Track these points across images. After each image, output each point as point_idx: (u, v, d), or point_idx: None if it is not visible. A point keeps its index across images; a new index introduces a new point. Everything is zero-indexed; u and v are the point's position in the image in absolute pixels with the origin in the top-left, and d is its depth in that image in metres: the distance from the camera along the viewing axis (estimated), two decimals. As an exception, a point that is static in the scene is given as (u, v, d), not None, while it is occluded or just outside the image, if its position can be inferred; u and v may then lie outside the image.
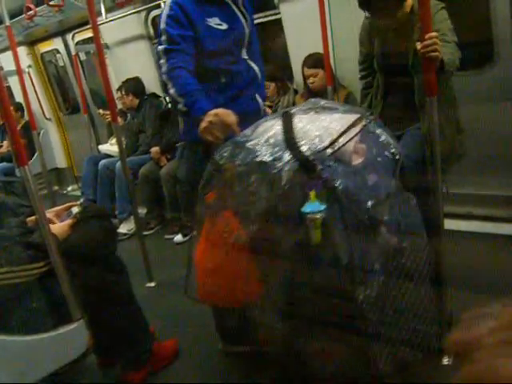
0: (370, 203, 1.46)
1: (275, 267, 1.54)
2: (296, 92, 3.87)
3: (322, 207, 1.37)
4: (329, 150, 1.44)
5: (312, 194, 1.38)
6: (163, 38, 1.86)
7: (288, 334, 1.68)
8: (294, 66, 3.89)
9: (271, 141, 1.52)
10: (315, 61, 3.44)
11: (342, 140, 1.47)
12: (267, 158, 1.47)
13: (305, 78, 3.54)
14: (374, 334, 1.52)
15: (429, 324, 1.71)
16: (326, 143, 1.45)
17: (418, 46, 1.78)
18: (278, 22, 3.95)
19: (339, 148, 1.46)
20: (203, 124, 1.69)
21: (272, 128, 1.59)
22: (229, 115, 1.68)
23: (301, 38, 3.78)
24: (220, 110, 1.70)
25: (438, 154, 1.85)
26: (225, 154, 1.60)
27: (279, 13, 3.88)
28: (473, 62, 3.19)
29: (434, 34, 1.76)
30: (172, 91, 1.81)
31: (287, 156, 1.44)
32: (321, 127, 1.51)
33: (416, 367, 1.78)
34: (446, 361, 1.94)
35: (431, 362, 1.88)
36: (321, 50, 3.26)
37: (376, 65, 2.49)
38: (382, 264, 1.50)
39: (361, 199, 1.45)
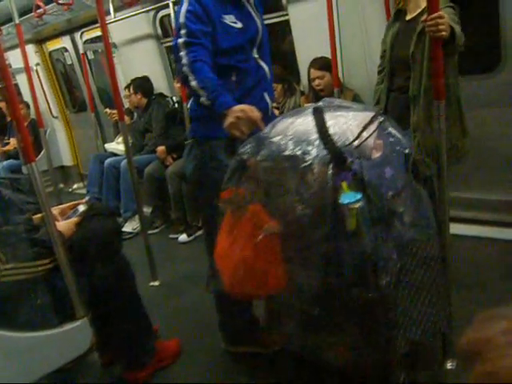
0: (389, 194, 1.52)
1: (305, 257, 1.57)
2: (303, 94, 3.87)
3: (359, 196, 1.42)
4: (354, 144, 1.51)
5: (344, 185, 1.43)
6: (183, 31, 1.86)
7: (312, 325, 1.71)
8: (302, 68, 3.89)
9: (296, 136, 1.57)
10: (323, 63, 3.44)
11: (363, 135, 1.54)
12: (296, 152, 1.52)
13: (310, 79, 3.54)
14: (394, 318, 1.58)
15: (439, 308, 1.76)
16: (350, 138, 1.52)
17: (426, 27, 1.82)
18: (286, 23, 3.95)
19: (361, 143, 1.53)
20: (230, 119, 1.70)
21: (293, 124, 1.64)
22: (254, 111, 1.70)
23: (309, 40, 3.77)
24: (245, 106, 1.71)
25: (443, 158, 1.85)
26: (248, 150, 1.64)
27: (287, 14, 3.88)
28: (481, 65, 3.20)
29: (436, 14, 1.77)
30: (194, 83, 1.80)
31: (315, 150, 1.50)
32: (342, 123, 1.57)
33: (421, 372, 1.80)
34: (449, 365, 1.94)
35: (436, 365, 1.88)
36: (328, 53, 3.26)
37: (386, 59, 2.51)
38: (397, 253, 1.55)
39: (382, 191, 1.51)
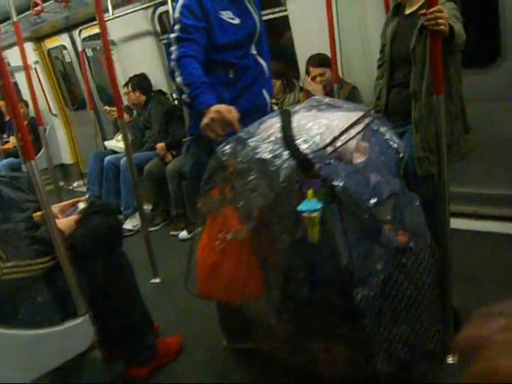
0: (371, 202, 1.44)
1: (274, 264, 1.53)
2: (302, 89, 3.86)
3: (319, 206, 1.35)
4: (329, 149, 1.43)
5: (309, 192, 1.36)
6: (176, 27, 1.85)
7: (284, 332, 1.68)
8: (301, 64, 3.88)
9: (272, 138, 1.51)
10: (321, 60, 3.42)
11: (343, 138, 1.46)
12: (267, 155, 1.46)
13: (308, 76, 3.53)
14: (372, 333, 1.51)
15: (429, 325, 1.70)
16: (327, 141, 1.44)
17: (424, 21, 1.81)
18: (285, 18, 3.94)
19: (340, 146, 1.45)
20: (204, 120, 1.69)
21: (274, 125, 1.58)
22: (230, 112, 1.68)
23: (308, 35, 3.77)
24: (222, 107, 1.69)
25: (444, 154, 1.84)
26: (227, 151, 1.59)
27: (286, 10, 3.87)
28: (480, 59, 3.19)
29: (435, 8, 1.76)
30: (179, 79, 1.80)
31: (286, 154, 1.43)
32: (323, 125, 1.50)
33: (420, 366, 1.78)
34: (450, 360, 1.94)
35: (436, 360, 1.87)
36: (327, 48, 3.25)
37: (385, 54, 2.50)
38: (384, 264, 1.49)
39: (361, 198, 1.43)
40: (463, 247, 2.75)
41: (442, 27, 1.80)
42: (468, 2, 3.08)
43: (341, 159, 1.45)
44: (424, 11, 1.84)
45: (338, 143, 1.45)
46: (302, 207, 1.36)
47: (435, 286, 1.72)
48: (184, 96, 1.79)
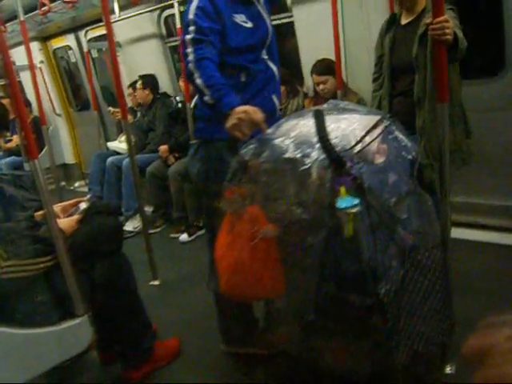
0: (392, 201, 1.51)
1: (302, 261, 1.56)
2: (306, 95, 3.86)
3: (356, 201, 1.41)
4: (355, 149, 1.49)
5: (342, 189, 1.41)
6: (191, 28, 1.84)
7: (310, 329, 1.71)
8: (305, 70, 3.89)
9: (297, 138, 1.56)
10: (325, 67, 3.43)
11: (366, 139, 1.52)
12: (296, 155, 1.50)
13: (314, 84, 3.54)
14: (393, 327, 1.56)
15: (442, 318, 1.75)
16: (353, 142, 1.50)
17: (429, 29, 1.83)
18: (290, 25, 3.95)
19: (364, 147, 1.51)
20: (232, 121, 1.68)
21: (296, 126, 1.63)
22: (257, 113, 1.69)
23: (313, 41, 3.78)
24: (249, 108, 1.70)
25: (446, 161, 1.85)
26: (251, 151, 1.63)
27: (292, 16, 3.89)
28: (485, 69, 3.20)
29: (442, 18, 1.77)
30: (199, 81, 1.79)
31: (316, 153, 1.48)
32: (345, 127, 1.55)
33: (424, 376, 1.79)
34: (448, 370, 1.93)
35: (435, 370, 1.87)
36: (332, 55, 3.26)
37: (384, 65, 2.51)
38: (399, 261, 1.54)
39: (383, 197, 1.50)
40: (462, 257, 2.75)
41: (449, 37, 1.81)
42: (472, 13, 3.10)
43: (364, 160, 1.51)
44: (429, 21, 1.84)
45: (362, 144, 1.51)
46: (340, 204, 1.41)
47: (446, 281, 1.76)
48: (206, 98, 1.78)
